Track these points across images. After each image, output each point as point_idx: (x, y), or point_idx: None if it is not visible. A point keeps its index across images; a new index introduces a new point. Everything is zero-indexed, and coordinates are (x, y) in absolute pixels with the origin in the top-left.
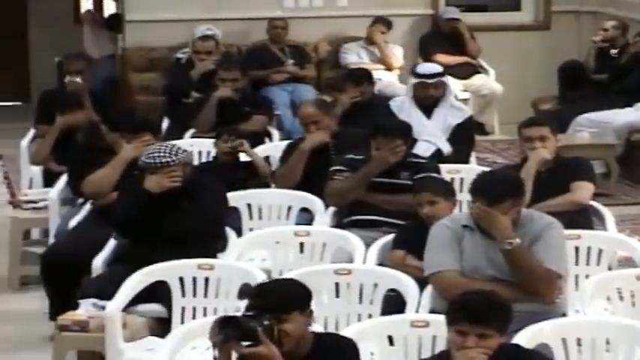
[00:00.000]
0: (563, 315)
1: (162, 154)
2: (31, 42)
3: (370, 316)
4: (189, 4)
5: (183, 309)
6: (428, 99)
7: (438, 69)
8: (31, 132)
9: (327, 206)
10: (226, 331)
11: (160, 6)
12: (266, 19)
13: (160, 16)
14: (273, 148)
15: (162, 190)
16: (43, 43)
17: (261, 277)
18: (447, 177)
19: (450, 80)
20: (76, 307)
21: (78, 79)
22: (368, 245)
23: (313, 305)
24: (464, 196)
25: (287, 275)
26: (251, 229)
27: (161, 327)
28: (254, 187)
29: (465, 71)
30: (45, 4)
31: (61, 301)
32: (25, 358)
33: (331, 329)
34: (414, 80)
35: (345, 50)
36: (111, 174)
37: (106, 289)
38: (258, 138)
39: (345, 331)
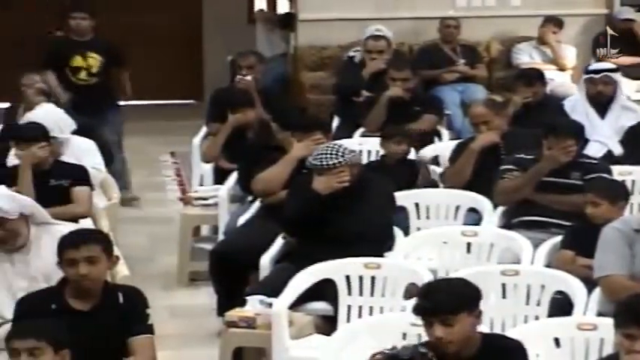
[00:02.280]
0: None
1: (329, 156)
2: (205, 42)
3: (537, 317)
4: (361, 4)
5: (349, 307)
6: (598, 96)
7: (609, 66)
8: (203, 130)
9: (495, 206)
10: None
11: (332, 5)
12: (438, 18)
13: (332, 15)
14: (442, 147)
15: (330, 192)
16: (216, 43)
17: (427, 277)
18: (617, 179)
19: (622, 79)
20: (243, 303)
21: (248, 77)
22: (535, 246)
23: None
24: (635, 199)
25: (453, 275)
26: (418, 229)
27: (327, 325)
28: (421, 185)
29: None
30: (219, 5)
31: (229, 298)
32: (193, 353)
33: (497, 330)
34: (584, 76)
35: (516, 50)
36: (281, 172)
37: (273, 287)
38: (428, 137)
39: (511, 332)
